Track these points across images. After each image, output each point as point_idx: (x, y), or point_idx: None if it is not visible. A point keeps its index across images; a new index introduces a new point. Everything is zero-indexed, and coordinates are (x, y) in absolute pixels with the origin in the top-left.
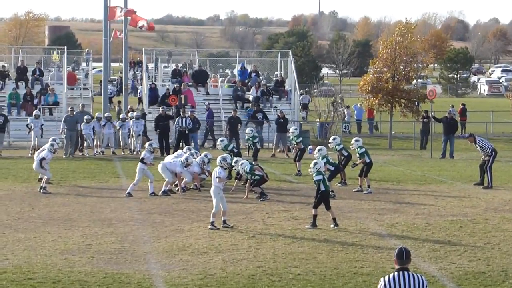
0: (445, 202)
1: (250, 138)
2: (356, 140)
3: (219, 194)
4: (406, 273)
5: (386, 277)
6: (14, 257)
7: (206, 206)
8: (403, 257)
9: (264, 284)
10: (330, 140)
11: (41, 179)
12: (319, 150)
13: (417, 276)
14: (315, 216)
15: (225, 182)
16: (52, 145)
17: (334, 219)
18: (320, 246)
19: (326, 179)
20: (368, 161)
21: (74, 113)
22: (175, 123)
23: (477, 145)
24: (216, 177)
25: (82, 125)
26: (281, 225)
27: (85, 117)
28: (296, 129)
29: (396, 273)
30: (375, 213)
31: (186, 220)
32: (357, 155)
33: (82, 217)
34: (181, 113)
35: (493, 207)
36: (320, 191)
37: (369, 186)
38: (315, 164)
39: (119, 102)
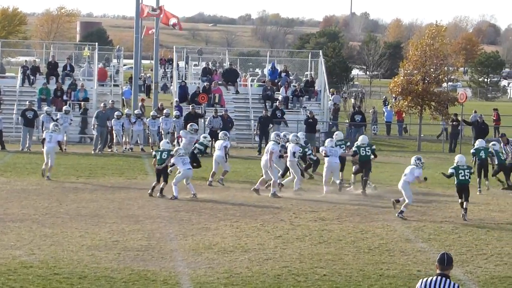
0: (473, 206)
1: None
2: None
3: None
4: (445, 279)
5: (426, 279)
6: (40, 252)
7: (233, 205)
8: (445, 262)
9: (289, 284)
10: (490, 145)
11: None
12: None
13: (456, 286)
14: (465, 209)
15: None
16: (225, 134)
17: (465, 210)
18: (346, 248)
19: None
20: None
21: (106, 109)
22: (207, 123)
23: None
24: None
25: (112, 121)
26: (308, 225)
27: (116, 113)
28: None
29: (435, 277)
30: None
31: (213, 219)
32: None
33: (110, 213)
34: (214, 113)
35: None
36: (456, 183)
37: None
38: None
39: (143, 100)
